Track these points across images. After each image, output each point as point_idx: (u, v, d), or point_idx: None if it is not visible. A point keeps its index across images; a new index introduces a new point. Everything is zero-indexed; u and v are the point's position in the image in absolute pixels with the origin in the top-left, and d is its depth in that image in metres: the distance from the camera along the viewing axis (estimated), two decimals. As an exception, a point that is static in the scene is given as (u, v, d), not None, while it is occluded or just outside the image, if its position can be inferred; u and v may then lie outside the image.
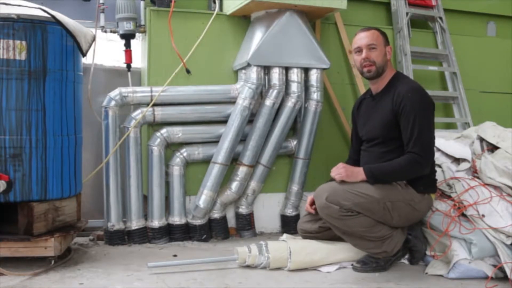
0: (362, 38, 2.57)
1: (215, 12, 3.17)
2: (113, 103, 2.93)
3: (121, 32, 3.15)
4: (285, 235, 2.84)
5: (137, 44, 3.34)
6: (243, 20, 3.25)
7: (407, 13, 3.73)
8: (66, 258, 2.57)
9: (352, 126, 2.85)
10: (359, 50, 2.58)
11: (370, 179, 2.42)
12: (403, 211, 2.45)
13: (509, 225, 2.42)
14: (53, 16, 2.40)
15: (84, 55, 2.57)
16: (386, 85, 2.59)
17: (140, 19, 3.19)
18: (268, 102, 3.05)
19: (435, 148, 2.88)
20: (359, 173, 2.45)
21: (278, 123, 3.13)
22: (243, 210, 3.22)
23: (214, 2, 3.25)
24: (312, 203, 2.68)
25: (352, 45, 2.66)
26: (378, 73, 2.57)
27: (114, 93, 2.95)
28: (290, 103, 3.11)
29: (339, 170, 2.46)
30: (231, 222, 3.26)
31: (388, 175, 2.45)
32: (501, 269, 2.38)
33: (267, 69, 3.09)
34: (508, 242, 2.41)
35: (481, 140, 2.91)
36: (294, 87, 3.12)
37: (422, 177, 2.48)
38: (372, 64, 2.55)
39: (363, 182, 2.43)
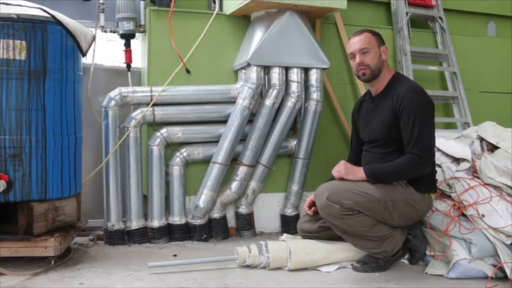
0: (355, 43, 2.57)
1: (215, 12, 3.17)
2: (113, 103, 2.93)
3: (121, 32, 3.15)
4: (285, 235, 2.85)
5: (137, 44, 3.34)
6: (243, 20, 3.25)
7: (407, 13, 3.73)
8: (66, 258, 2.57)
9: (352, 129, 2.85)
10: (353, 55, 2.59)
11: (370, 178, 2.43)
12: (404, 211, 2.45)
13: (509, 225, 2.42)
14: (53, 16, 2.40)
15: (84, 55, 2.57)
16: (385, 86, 2.59)
17: (140, 19, 3.19)
18: (268, 102, 3.06)
19: (435, 148, 2.89)
20: (359, 171, 2.45)
21: (278, 123, 3.13)
22: (243, 210, 3.22)
23: (214, 2, 3.25)
24: (311, 205, 2.69)
25: (346, 50, 2.66)
26: (373, 75, 2.57)
27: (114, 93, 2.95)
28: (290, 103, 3.11)
29: (339, 168, 2.48)
30: (231, 222, 3.26)
31: (388, 176, 2.45)
32: (501, 269, 2.39)
33: (267, 69, 3.09)
34: (508, 242, 2.41)
35: (481, 140, 2.91)
36: (294, 87, 3.12)
37: (423, 177, 2.48)
38: (366, 68, 2.55)
39: (364, 182, 2.43)
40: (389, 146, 2.53)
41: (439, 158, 2.88)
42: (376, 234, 2.43)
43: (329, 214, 2.41)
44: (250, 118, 3.08)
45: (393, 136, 2.51)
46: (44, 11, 2.41)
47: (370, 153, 2.63)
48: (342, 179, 2.47)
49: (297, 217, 3.25)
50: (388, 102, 2.52)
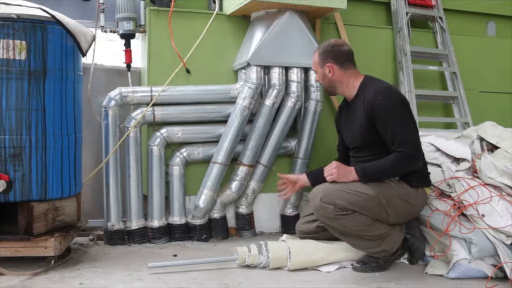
0: None
1: (215, 12, 3.17)
2: (113, 103, 2.93)
3: (121, 32, 3.15)
4: (285, 235, 2.84)
5: (137, 44, 3.34)
6: (243, 20, 3.25)
7: (407, 13, 3.73)
8: (66, 258, 2.57)
9: (338, 135, 2.84)
10: None
11: (363, 179, 2.42)
12: (399, 207, 2.45)
13: (509, 225, 2.42)
14: (53, 16, 2.40)
15: (84, 55, 2.57)
16: (357, 92, 2.57)
17: (140, 19, 3.19)
18: (268, 102, 3.06)
19: (434, 148, 2.89)
20: (351, 173, 2.45)
21: (278, 123, 3.13)
22: (243, 210, 3.22)
23: (214, 2, 3.25)
24: (284, 182, 2.75)
25: None
26: (329, 92, 2.70)
27: (114, 93, 2.95)
28: (290, 103, 3.11)
29: (331, 171, 2.46)
30: (231, 222, 3.26)
31: (380, 174, 2.45)
32: (501, 269, 2.39)
33: (267, 69, 3.09)
34: (508, 242, 2.41)
35: (481, 140, 2.91)
36: (294, 87, 3.12)
37: (415, 171, 2.48)
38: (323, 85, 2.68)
39: (357, 181, 2.43)
40: (372, 149, 2.52)
41: (439, 158, 2.88)
42: (373, 233, 2.43)
43: (324, 215, 2.41)
44: (250, 118, 3.08)
45: (372, 140, 2.50)
46: (44, 11, 2.41)
47: (356, 158, 2.62)
48: (334, 181, 2.46)
49: (297, 217, 3.25)
50: (360, 107, 2.51)
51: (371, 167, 2.45)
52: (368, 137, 2.51)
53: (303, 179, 2.71)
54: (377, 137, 2.47)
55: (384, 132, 2.43)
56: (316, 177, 2.63)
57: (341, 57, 2.57)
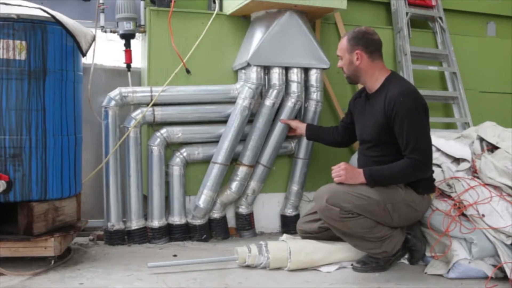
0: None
1: (215, 12, 3.17)
2: (113, 103, 2.93)
3: (121, 32, 3.15)
4: (285, 235, 2.85)
5: (137, 44, 3.34)
6: (243, 20, 3.25)
7: (407, 13, 3.73)
8: (66, 258, 2.58)
9: (346, 113, 2.88)
10: None
11: (370, 183, 2.42)
12: (403, 212, 2.45)
13: (509, 225, 2.43)
14: (53, 16, 2.40)
15: (84, 55, 2.57)
16: (379, 87, 2.55)
17: (140, 19, 3.19)
18: (268, 102, 3.06)
19: (434, 148, 2.89)
20: (359, 176, 2.43)
21: (278, 123, 3.13)
22: (243, 210, 3.22)
23: (214, 2, 3.25)
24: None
25: None
26: (350, 80, 2.65)
27: (114, 93, 2.95)
28: (290, 103, 3.11)
29: (339, 172, 2.45)
30: (231, 222, 3.26)
31: (389, 179, 2.44)
32: (501, 269, 2.39)
33: (267, 69, 3.09)
34: (508, 242, 2.41)
35: (481, 140, 2.91)
36: (294, 87, 3.12)
37: (422, 179, 2.48)
38: (344, 73, 2.63)
39: (363, 184, 2.43)
40: (382, 149, 2.52)
41: (439, 158, 2.88)
42: (375, 235, 2.44)
43: (329, 217, 2.41)
44: (250, 118, 3.08)
45: (385, 139, 2.49)
46: (44, 11, 2.41)
47: (365, 156, 2.61)
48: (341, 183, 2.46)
49: (297, 217, 3.25)
50: (381, 104, 2.49)
51: (380, 172, 2.44)
52: (380, 135, 2.50)
53: (301, 129, 3.05)
54: (389, 137, 2.46)
55: (400, 134, 2.41)
56: (310, 132, 3.01)
57: (372, 46, 2.54)
